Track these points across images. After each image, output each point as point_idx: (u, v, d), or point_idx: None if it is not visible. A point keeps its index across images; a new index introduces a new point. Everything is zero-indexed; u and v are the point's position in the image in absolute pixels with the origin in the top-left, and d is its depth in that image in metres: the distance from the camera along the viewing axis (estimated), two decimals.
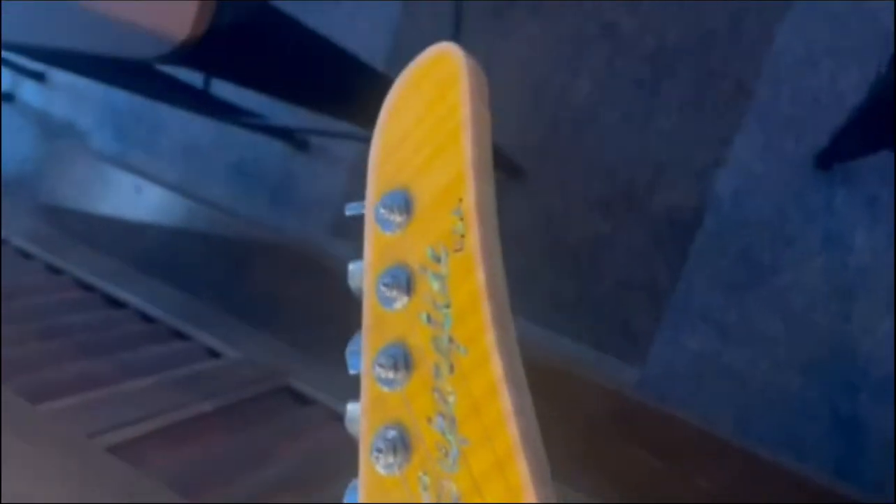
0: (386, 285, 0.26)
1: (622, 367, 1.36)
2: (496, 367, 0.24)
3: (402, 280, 0.26)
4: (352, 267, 0.29)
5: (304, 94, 0.86)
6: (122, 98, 1.74)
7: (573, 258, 1.41)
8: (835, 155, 1.15)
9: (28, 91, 1.83)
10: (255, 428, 1.08)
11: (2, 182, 1.62)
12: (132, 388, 1.03)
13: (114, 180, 1.61)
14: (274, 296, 1.41)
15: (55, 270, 1.40)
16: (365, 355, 0.27)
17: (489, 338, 0.24)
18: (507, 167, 1.39)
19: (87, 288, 1.37)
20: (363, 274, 0.28)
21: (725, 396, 1.28)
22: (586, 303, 1.40)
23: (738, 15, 1.29)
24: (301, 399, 1.17)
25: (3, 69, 1.76)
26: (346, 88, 0.79)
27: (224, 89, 1.27)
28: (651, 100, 1.35)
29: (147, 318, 1.31)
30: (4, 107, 1.84)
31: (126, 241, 1.57)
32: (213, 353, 1.24)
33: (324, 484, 0.94)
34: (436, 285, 0.26)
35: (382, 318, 0.27)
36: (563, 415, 1.17)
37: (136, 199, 1.57)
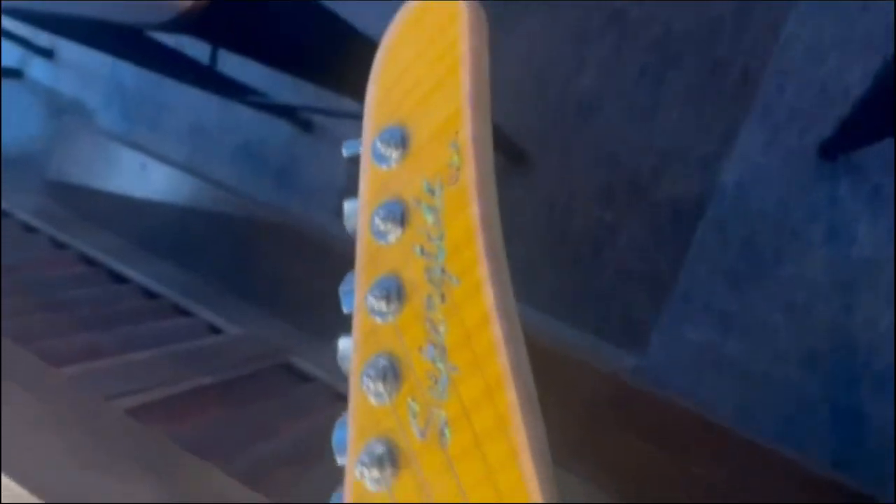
0: (380, 218, 0.26)
1: (622, 355, 1.36)
2: (488, 297, 0.24)
3: (397, 213, 0.26)
4: (347, 205, 0.29)
5: (308, 65, 0.86)
6: (129, 77, 1.75)
7: (575, 246, 1.41)
8: (839, 145, 1.15)
9: (37, 68, 1.84)
10: (254, 403, 1.08)
11: (1, 155, 1.63)
12: (134, 359, 1.04)
13: (120, 158, 1.62)
14: (277, 275, 1.42)
15: (59, 245, 1.41)
16: (358, 290, 0.27)
17: (482, 269, 0.24)
18: (510, 152, 1.39)
19: (91, 263, 1.38)
20: (358, 211, 0.28)
21: (725, 387, 1.29)
22: (587, 291, 1.40)
23: (745, 5, 1.28)
24: (301, 376, 1.17)
25: (13, 45, 1.77)
26: (350, 63, 0.79)
27: (230, 66, 1.28)
28: (656, 89, 1.35)
29: (150, 294, 1.32)
30: (13, 84, 1.85)
31: (131, 219, 1.58)
32: (215, 330, 1.25)
33: (321, 460, 0.94)
34: (430, 218, 0.26)
35: (376, 252, 0.27)
36: (560, 399, 1.17)
37: (141, 177, 1.58)
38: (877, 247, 1.21)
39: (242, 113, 1.60)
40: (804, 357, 1.24)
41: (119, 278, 1.36)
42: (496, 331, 0.24)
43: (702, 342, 1.30)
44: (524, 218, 1.43)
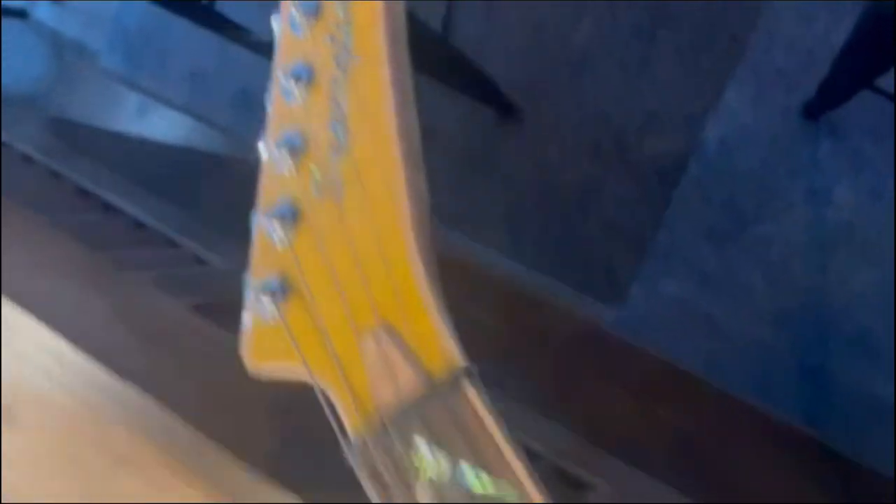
0: (297, 10, 0.29)
1: (602, 308, 1.38)
2: (384, 70, 0.27)
3: (311, 8, 0.29)
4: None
5: None
6: (133, 20, 1.77)
7: (561, 199, 1.43)
8: (821, 104, 1.16)
9: (42, 9, 1.86)
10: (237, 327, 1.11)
11: (2, 93, 1.65)
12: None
13: (120, 98, 1.65)
14: None
15: (55, 175, 1.44)
16: (273, 80, 0.30)
17: (381, 46, 0.27)
18: (501, 105, 1.41)
19: (85, 194, 1.41)
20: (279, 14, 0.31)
21: (698, 341, 1.31)
22: (571, 245, 1.43)
23: None
24: None
25: None
26: None
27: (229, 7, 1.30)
28: (648, 46, 1.36)
29: (140, 225, 1.35)
30: (18, 25, 1.87)
31: (128, 156, 1.60)
32: (201, 262, 1.28)
33: None
34: (341, 12, 0.28)
35: (292, 44, 0.29)
36: (539, 342, 1.20)
37: (140, 117, 1.61)
38: (853, 209, 1.23)
39: (242, 60, 1.62)
40: (777, 315, 1.26)
41: (112, 209, 1.38)
42: (388, 98, 0.26)
43: (678, 296, 1.32)
44: (512, 170, 1.45)
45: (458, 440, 0.23)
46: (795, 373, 1.25)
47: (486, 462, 0.22)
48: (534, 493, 0.22)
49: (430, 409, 0.23)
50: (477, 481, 0.22)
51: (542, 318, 1.30)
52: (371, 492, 0.24)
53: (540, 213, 1.45)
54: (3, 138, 1.50)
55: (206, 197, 1.54)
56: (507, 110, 1.42)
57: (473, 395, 0.23)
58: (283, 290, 0.28)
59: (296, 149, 0.28)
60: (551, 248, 1.44)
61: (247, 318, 0.28)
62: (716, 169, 1.31)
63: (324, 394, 0.26)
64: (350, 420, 0.25)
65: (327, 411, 0.25)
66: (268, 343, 0.28)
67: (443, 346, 0.23)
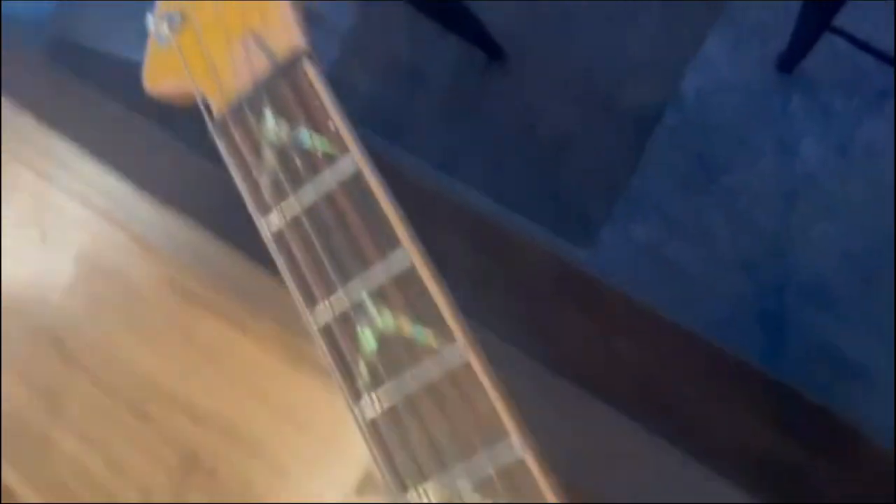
0: None
1: (574, 250, 1.43)
2: None
3: None
4: None
5: None
6: None
7: (540, 144, 1.47)
8: (792, 55, 1.20)
9: None
10: None
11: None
12: None
13: (124, 24, 1.69)
14: None
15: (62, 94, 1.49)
16: None
17: None
18: (490, 48, 1.45)
19: None
20: None
21: (663, 285, 1.35)
22: (547, 187, 1.47)
23: None
24: None
25: None
26: None
27: None
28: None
29: None
30: None
31: (128, 83, 1.66)
32: None
33: None
34: None
35: None
36: (506, 275, 1.24)
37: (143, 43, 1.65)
38: (819, 162, 1.27)
39: None
40: (739, 261, 1.30)
41: None
42: None
43: (647, 242, 1.37)
44: (495, 113, 1.49)
45: (299, 110, 0.27)
46: (755, 317, 1.29)
47: (320, 127, 0.27)
48: (354, 149, 0.26)
49: (277, 87, 0.28)
50: (310, 141, 0.27)
51: (514, 251, 1.34)
52: (231, 167, 0.28)
53: (519, 156, 1.49)
54: (4, 61, 1.55)
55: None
56: (496, 53, 1.46)
57: (311, 73, 0.27)
58: (179, 21, 0.32)
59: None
60: (528, 189, 1.48)
61: (148, 47, 0.33)
62: (691, 119, 1.35)
63: (203, 98, 0.31)
64: (217, 107, 0.29)
65: (203, 112, 0.30)
66: (161, 66, 0.32)
67: (289, 33, 0.28)
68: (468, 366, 0.25)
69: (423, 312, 0.25)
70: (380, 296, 0.26)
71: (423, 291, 0.25)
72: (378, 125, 1.49)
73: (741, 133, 1.31)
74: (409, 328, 0.26)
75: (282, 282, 0.29)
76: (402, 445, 0.25)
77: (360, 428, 0.26)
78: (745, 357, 1.20)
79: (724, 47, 1.32)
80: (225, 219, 0.51)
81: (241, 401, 0.48)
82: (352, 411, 0.26)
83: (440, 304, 0.25)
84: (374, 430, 0.25)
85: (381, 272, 0.26)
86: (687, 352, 1.25)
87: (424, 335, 0.25)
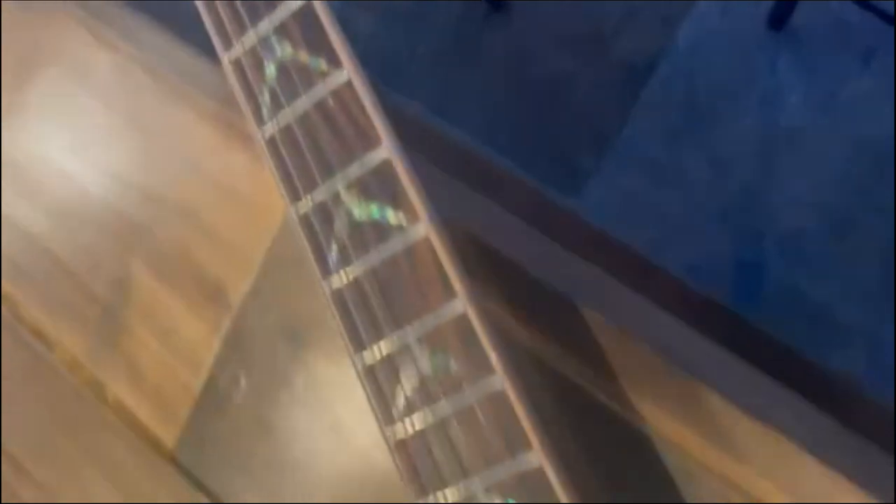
0: None
1: (560, 196, 1.47)
2: None
3: None
4: None
5: None
6: None
7: (534, 91, 1.50)
8: (782, 11, 1.23)
9: None
10: None
11: None
12: None
13: None
14: None
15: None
16: None
17: None
18: None
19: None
20: None
21: (644, 230, 1.40)
22: (538, 135, 1.51)
23: None
24: None
25: None
26: None
27: None
28: None
29: None
30: None
31: None
32: None
33: None
34: None
35: None
36: (485, 208, 1.29)
37: None
38: (803, 118, 1.31)
39: None
40: (720, 210, 1.35)
41: None
42: None
43: (631, 190, 1.41)
44: (493, 60, 1.52)
45: None
46: (732, 264, 1.34)
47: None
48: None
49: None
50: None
51: (504, 186, 1.38)
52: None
53: (512, 103, 1.52)
54: None
55: None
56: (498, 4, 1.49)
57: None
58: None
59: None
60: (521, 136, 1.52)
61: None
62: (682, 71, 1.38)
63: None
64: None
65: None
66: None
67: None
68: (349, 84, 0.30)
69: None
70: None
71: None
72: (376, 66, 1.51)
73: (730, 87, 1.34)
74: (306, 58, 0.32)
75: None
76: (296, 157, 0.31)
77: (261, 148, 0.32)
78: (717, 299, 1.26)
79: (717, 1, 1.34)
80: None
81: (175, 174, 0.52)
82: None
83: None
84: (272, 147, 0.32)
85: None
86: (664, 292, 1.31)
87: (318, 64, 0.31)
